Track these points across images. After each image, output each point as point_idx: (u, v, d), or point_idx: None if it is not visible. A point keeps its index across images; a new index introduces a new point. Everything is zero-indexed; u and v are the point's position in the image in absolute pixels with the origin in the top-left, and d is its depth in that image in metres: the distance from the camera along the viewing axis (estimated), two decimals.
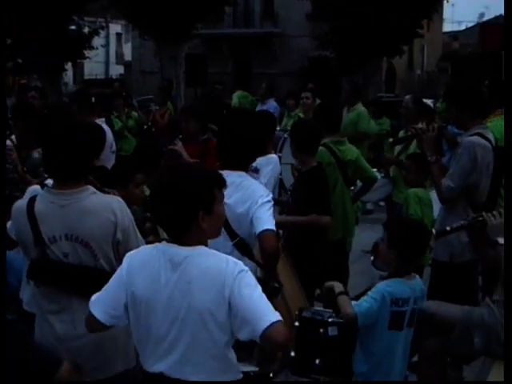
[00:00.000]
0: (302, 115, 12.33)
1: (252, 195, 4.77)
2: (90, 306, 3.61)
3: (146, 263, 3.52)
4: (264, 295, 3.39)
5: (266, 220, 4.69)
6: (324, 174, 6.80)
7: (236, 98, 18.40)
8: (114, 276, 3.62)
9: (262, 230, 4.66)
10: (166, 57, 27.34)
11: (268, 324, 3.26)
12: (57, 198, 4.16)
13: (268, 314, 3.31)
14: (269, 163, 6.89)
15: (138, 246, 4.06)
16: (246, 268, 3.46)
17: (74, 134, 4.17)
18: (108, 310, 3.57)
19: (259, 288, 3.40)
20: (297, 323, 4.93)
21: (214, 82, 18.49)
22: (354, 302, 4.72)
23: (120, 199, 4.36)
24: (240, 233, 4.79)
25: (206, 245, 3.56)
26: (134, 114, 15.36)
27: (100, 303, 3.59)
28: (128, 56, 53.66)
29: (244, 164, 5.03)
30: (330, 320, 4.90)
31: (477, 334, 5.28)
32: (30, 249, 4.22)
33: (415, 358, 5.61)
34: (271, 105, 15.09)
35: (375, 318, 4.72)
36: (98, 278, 3.91)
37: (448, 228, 5.82)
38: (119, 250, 4.15)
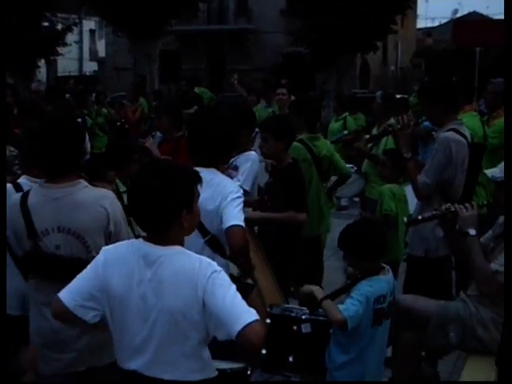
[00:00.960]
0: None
1: (222, 191, 4.73)
2: (59, 293, 3.57)
3: (122, 259, 3.49)
4: (238, 294, 3.35)
5: (235, 216, 4.66)
6: (300, 170, 6.78)
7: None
8: (88, 268, 3.58)
9: (229, 225, 4.62)
10: (139, 53, 27.27)
11: (243, 325, 3.23)
12: (49, 192, 4.21)
13: (242, 315, 3.27)
14: (247, 160, 6.84)
15: (128, 239, 4.06)
16: (220, 268, 3.42)
17: (60, 128, 4.21)
18: (77, 298, 3.52)
19: (233, 288, 3.36)
20: (268, 320, 4.89)
21: (188, 79, 18.44)
22: (340, 306, 4.69)
23: (111, 192, 4.40)
24: (211, 230, 4.75)
25: (183, 244, 3.53)
26: (104, 111, 15.32)
27: (70, 291, 3.56)
28: (102, 53, 53.50)
29: (214, 161, 4.97)
30: (303, 317, 4.88)
31: (452, 329, 5.31)
32: (24, 242, 4.25)
33: (389, 354, 5.61)
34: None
35: (360, 320, 4.71)
36: None
37: (419, 217, 5.88)
38: (112, 242, 4.13)
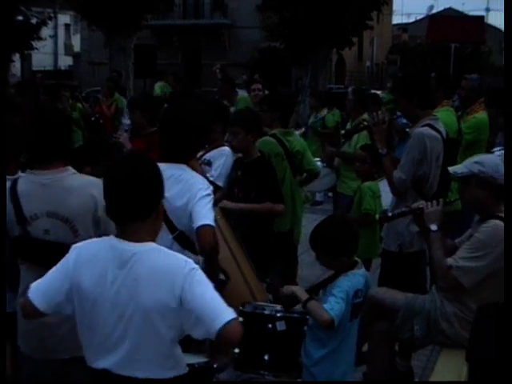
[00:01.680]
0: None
1: (191, 188, 4.68)
2: (28, 292, 3.53)
3: (94, 258, 3.44)
4: (216, 292, 3.33)
5: (204, 215, 4.60)
6: (270, 163, 6.80)
7: (158, 88, 18.38)
8: (58, 265, 3.54)
9: (199, 225, 4.57)
10: (115, 48, 27.20)
11: (223, 323, 3.21)
12: (38, 178, 4.26)
13: (222, 313, 3.25)
14: (221, 156, 6.81)
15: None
16: (197, 266, 3.39)
17: (48, 115, 4.31)
18: (48, 297, 3.49)
19: (211, 285, 3.35)
20: (240, 319, 4.86)
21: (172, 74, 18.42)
22: (325, 306, 4.67)
23: (99, 180, 4.36)
24: (180, 226, 4.71)
25: (155, 240, 3.50)
26: (79, 105, 15.26)
27: (40, 290, 3.51)
28: (77, 47, 53.33)
29: (184, 156, 4.94)
30: (278, 315, 4.87)
31: (417, 321, 5.34)
32: (13, 228, 4.25)
33: (365, 348, 5.63)
34: None
35: (342, 317, 4.72)
36: None
37: (390, 214, 5.95)
38: (100, 228, 4.22)
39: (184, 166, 4.87)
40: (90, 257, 3.45)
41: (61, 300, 3.47)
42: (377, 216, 6.10)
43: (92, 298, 3.39)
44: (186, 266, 3.34)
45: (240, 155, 6.70)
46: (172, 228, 4.69)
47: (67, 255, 3.53)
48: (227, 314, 3.26)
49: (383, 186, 6.90)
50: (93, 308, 3.40)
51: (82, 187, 4.26)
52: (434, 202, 5.39)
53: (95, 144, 7.16)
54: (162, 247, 3.45)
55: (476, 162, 5.23)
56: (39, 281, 3.55)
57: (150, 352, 3.38)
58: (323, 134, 13.85)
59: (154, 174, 3.46)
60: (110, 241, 3.46)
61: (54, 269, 3.53)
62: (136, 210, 3.39)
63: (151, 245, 3.42)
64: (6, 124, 4.61)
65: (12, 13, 26.34)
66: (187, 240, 4.74)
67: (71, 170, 4.35)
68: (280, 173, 7.23)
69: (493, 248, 5.00)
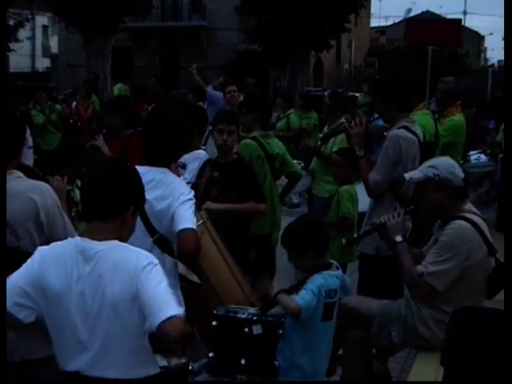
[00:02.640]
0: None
1: (173, 192, 4.63)
2: None
3: (59, 258, 3.46)
4: (169, 289, 3.35)
5: (187, 218, 4.57)
6: (248, 164, 6.81)
7: (117, 90, 18.30)
8: (22, 266, 3.52)
9: (181, 228, 4.52)
10: (92, 50, 27.12)
11: (164, 318, 3.22)
12: None
13: (166, 308, 3.27)
14: (196, 159, 6.80)
15: (65, 230, 4.19)
16: (156, 262, 3.43)
17: None
18: (10, 296, 3.44)
19: (165, 282, 3.36)
20: (214, 322, 4.85)
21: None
22: (295, 297, 4.71)
23: (46, 184, 4.40)
24: (160, 229, 4.68)
25: (125, 241, 3.54)
26: (58, 107, 15.19)
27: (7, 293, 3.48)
28: (55, 49, 53.08)
29: (166, 160, 4.92)
30: (254, 318, 4.87)
31: (394, 328, 5.36)
32: None
33: (340, 352, 5.63)
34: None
35: (313, 312, 4.73)
36: (22, 259, 3.85)
37: (355, 235, 6.04)
38: (45, 233, 4.21)
39: (165, 170, 4.84)
40: (55, 256, 3.49)
41: (21, 296, 3.45)
42: (343, 241, 6.08)
43: (58, 297, 3.42)
44: (144, 261, 3.39)
45: (213, 156, 6.70)
46: (152, 231, 4.66)
47: (32, 256, 3.55)
48: (171, 310, 3.27)
49: (360, 190, 6.90)
50: (60, 307, 3.43)
51: (24, 192, 4.23)
52: (395, 213, 5.46)
53: (70, 146, 7.15)
54: (125, 244, 3.50)
55: (430, 166, 5.29)
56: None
57: (120, 348, 3.41)
58: (285, 137, 13.70)
59: (125, 179, 3.54)
60: (74, 241, 3.52)
61: (18, 272, 3.51)
62: (99, 209, 3.49)
63: (114, 242, 3.47)
64: None
65: None
66: (167, 244, 4.71)
67: (17, 173, 4.31)
68: (261, 176, 7.24)
69: (459, 248, 5.07)
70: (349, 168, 7.47)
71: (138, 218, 4.25)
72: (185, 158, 6.70)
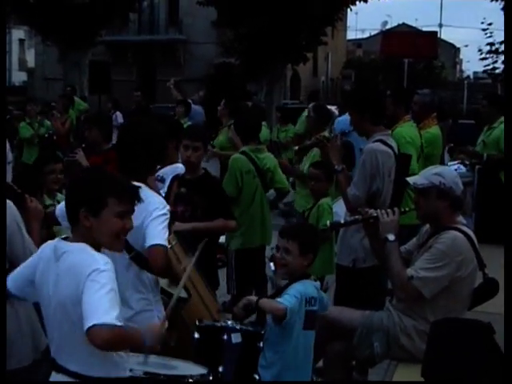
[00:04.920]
0: None
1: (147, 207, 4.54)
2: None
3: (43, 256, 3.70)
4: (109, 296, 3.36)
5: (157, 234, 4.55)
6: (216, 179, 6.82)
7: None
8: (33, 255, 3.86)
9: (150, 244, 4.52)
10: (69, 63, 27.04)
11: (88, 325, 3.29)
12: None
13: (92, 316, 3.30)
14: (174, 172, 6.81)
15: (24, 248, 4.29)
16: (105, 267, 3.44)
17: None
18: (18, 283, 3.80)
19: (106, 289, 3.37)
20: (196, 335, 4.85)
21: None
22: (278, 299, 4.73)
23: (8, 201, 4.38)
24: (137, 246, 4.63)
25: (98, 247, 3.60)
26: (47, 122, 15.12)
27: (14, 275, 3.84)
28: (31, 63, 52.82)
29: (142, 173, 4.92)
30: (237, 327, 4.88)
31: (376, 338, 5.37)
32: None
33: (320, 364, 5.65)
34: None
35: (295, 318, 4.75)
36: None
37: (342, 221, 6.01)
38: (5, 249, 4.26)
39: (142, 185, 4.84)
40: (42, 255, 3.72)
41: (27, 285, 3.76)
42: (328, 222, 6.10)
43: (40, 289, 3.67)
44: (92, 266, 3.44)
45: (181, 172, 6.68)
46: (128, 248, 4.64)
47: (42, 247, 3.83)
48: (100, 317, 3.30)
49: (339, 205, 6.94)
50: (41, 298, 3.70)
51: None
52: (390, 211, 5.45)
53: (45, 160, 7.14)
54: (88, 248, 3.57)
55: (436, 174, 5.31)
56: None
57: (73, 347, 3.55)
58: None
59: (75, 184, 3.74)
60: (57, 241, 3.71)
61: (29, 259, 3.86)
62: (68, 215, 3.69)
63: (80, 245, 3.59)
64: None
65: None
66: (144, 261, 4.68)
67: None
68: (251, 190, 7.32)
69: (452, 258, 5.11)
70: (326, 180, 7.52)
71: None
72: (163, 171, 6.71)
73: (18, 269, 3.85)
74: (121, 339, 3.39)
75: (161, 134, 5.11)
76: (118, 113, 16.71)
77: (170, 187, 6.64)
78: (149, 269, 4.69)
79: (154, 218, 4.59)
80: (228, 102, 12.96)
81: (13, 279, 3.83)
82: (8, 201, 4.39)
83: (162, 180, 6.68)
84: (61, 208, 4.70)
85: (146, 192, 4.79)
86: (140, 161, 4.88)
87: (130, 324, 3.91)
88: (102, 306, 3.32)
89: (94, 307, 3.32)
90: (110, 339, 3.30)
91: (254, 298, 4.98)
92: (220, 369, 4.74)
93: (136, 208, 4.59)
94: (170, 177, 6.73)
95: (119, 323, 3.31)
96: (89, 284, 3.37)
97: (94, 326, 3.27)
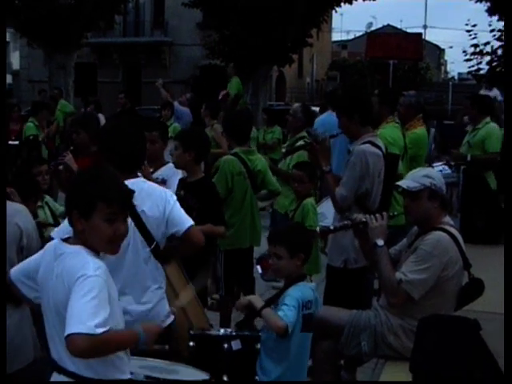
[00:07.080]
0: None
1: (162, 197, 4.77)
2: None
3: (45, 252, 3.73)
4: (91, 304, 3.34)
5: (186, 217, 4.79)
6: (212, 184, 6.84)
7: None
8: (36, 254, 3.86)
9: (188, 226, 4.74)
10: (54, 66, 26.97)
11: (69, 332, 3.28)
12: None
13: (74, 323, 3.30)
14: (175, 173, 6.88)
15: (38, 249, 4.21)
16: (94, 273, 3.43)
17: None
18: (20, 275, 3.80)
19: (89, 296, 3.35)
20: (191, 343, 4.88)
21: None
22: (279, 313, 4.69)
23: (24, 207, 4.43)
24: (157, 237, 4.75)
25: (97, 250, 3.61)
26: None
27: (19, 267, 3.88)
28: (16, 65, 52.61)
29: (129, 171, 4.88)
30: (234, 334, 4.91)
31: (363, 337, 5.42)
32: None
33: (309, 363, 5.69)
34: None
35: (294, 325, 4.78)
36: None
37: (331, 227, 5.97)
38: (24, 255, 4.33)
39: (143, 179, 4.95)
40: (46, 253, 3.72)
41: (28, 278, 3.77)
42: (317, 229, 6.13)
43: (42, 286, 3.67)
44: (80, 271, 3.44)
45: (185, 174, 6.74)
46: (150, 240, 4.72)
47: (50, 242, 3.82)
48: (77, 327, 3.28)
49: (327, 206, 6.98)
50: (43, 296, 3.66)
51: (9, 217, 4.32)
52: (378, 216, 5.47)
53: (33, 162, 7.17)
54: (83, 252, 3.57)
55: (425, 176, 5.37)
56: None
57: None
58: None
59: (72, 186, 3.74)
60: (56, 241, 3.73)
61: (32, 256, 3.89)
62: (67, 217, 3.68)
63: (76, 248, 3.59)
64: None
65: None
66: (160, 252, 4.79)
67: None
68: (241, 191, 7.35)
69: (437, 257, 5.16)
70: (309, 181, 7.57)
71: (135, 230, 4.49)
72: (161, 173, 6.78)
73: (23, 262, 3.90)
74: (102, 345, 3.34)
75: (139, 130, 5.18)
76: (100, 115, 16.71)
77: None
78: (162, 260, 4.82)
79: (173, 203, 4.78)
80: (208, 104, 13.23)
81: (15, 269, 3.87)
82: (21, 206, 4.44)
83: (164, 182, 6.72)
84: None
85: (152, 184, 4.94)
86: (124, 159, 4.89)
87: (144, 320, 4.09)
88: (82, 314, 3.30)
89: (74, 315, 3.31)
90: (85, 348, 3.27)
91: (258, 302, 4.92)
92: (225, 378, 4.77)
93: (152, 200, 4.66)
94: (172, 178, 6.80)
95: (101, 330, 3.27)
96: (74, 289, 3.37)
97: (71, 334, 3.27)
